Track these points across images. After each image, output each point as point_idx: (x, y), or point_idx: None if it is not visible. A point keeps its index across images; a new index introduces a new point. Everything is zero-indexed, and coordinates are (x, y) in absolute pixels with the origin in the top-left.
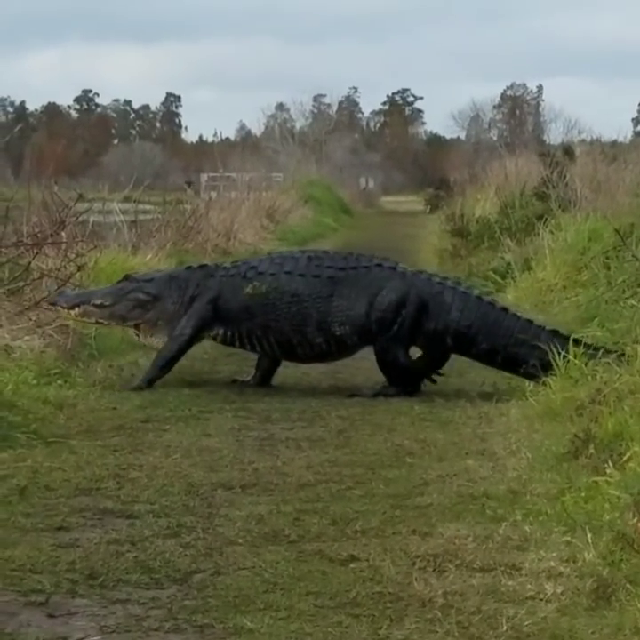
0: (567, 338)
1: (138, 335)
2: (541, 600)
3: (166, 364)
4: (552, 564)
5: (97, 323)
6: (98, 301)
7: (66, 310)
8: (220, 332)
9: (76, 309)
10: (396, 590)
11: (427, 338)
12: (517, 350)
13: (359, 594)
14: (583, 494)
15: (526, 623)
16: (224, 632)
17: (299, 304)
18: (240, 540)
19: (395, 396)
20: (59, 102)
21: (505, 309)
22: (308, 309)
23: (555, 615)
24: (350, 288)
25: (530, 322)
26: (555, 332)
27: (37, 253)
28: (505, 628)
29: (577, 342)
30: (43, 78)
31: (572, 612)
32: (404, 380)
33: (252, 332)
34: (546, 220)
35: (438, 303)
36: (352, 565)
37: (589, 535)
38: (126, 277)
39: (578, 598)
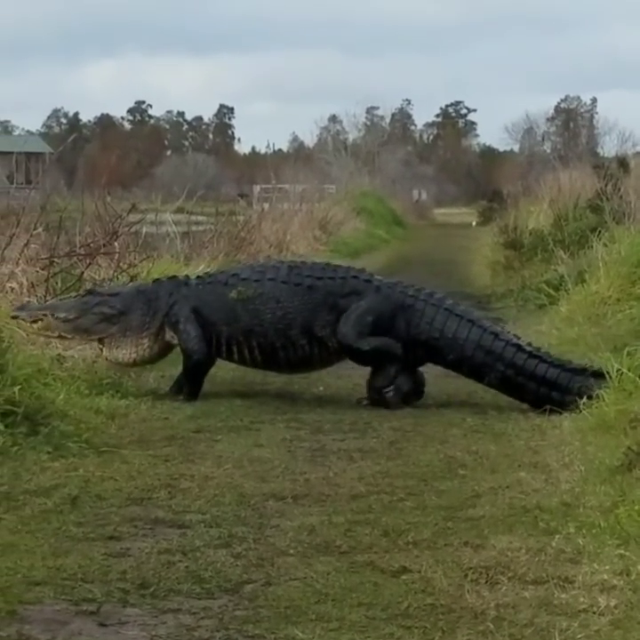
0: (529, 353)
1: (102, 349)
2: (594, 613)
3: (195, 372)
4: (605, 577)
5: (60, 337)
6: (61, 315)
7: (28, 323)
8: None
9: (39, 323)
10: (448, 602)
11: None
12: (481, 362)
13: (411, 605)
14: (637, 507)
15: (579, 636)
16: None
17: (283, 309)
18: (291, 551)
19: (394, 375)
20: (112, 113)
21: (471, 321)
22: (292, 314)
23: (608, 628)
24: (328, 297)
25: (494, 334)
26: (517, 347)
27: (90, 263)
28: None
29: (537, 357)
30: (98, 90)
31: (626, 625)
32: (384, 356)
33: (234, 337)
34: (600, 232)
35: (411, 315)
36: (404, 577)
37: None
38: (90, 291)
39: (631, 611)
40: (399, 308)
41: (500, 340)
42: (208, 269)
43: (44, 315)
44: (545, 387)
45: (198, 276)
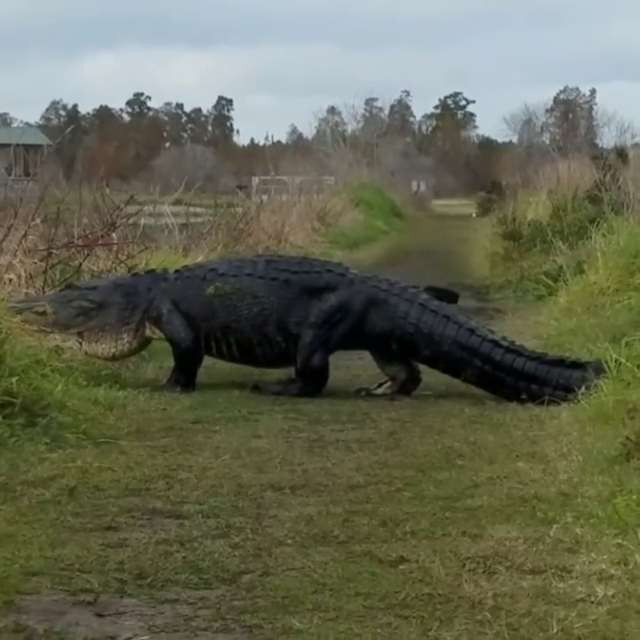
0: (506, 348)
1: (81, 343)
2: (592, 602)
3: (187, 360)
4: (603, 566)
5: (39, 330)
6: (40, 309)
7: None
8: None
9: (18, 317)
10: (445, 592)
11: (372, 342)
12: (458, 357)
13: (408, 595)
14: (635, 497)
15: (577, 626)
16: (272, 632)
17: (260, 305)
18: (289, 541)
19: (295, 394)
20: (111, 106)
21: (447, 317)
22: (268, 310)
23: (605, 618)
24: (303, 291)
25: (471, 330)
26: (494, 342)
27: (88, 255)
28: (555, 630)
29: (515, 352)
30: (97, 82)
31: (623, 614)
32: (314, 380)
33: (212, 333)
34: (598, 223)
35: (384, 308)
36: (401, 567)
37: None
38: (69, 286)
39: (629, 601)
40: (372, 302)
41: (476, 336)
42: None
43: (23, 309)
44: (523, 380)
45: (176, 270)
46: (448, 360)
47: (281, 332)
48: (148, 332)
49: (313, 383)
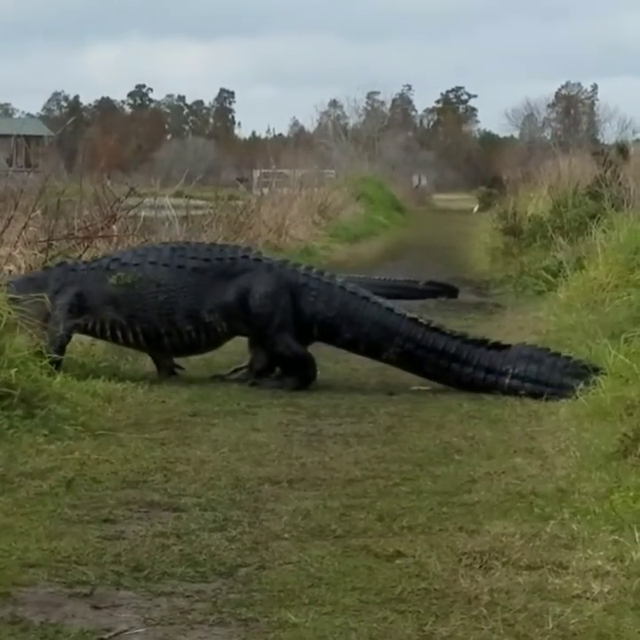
0: (427, 326)
1: None
2: (588, 599)
3: (57, 348)
4: (599, 562)
5: None
6: None
7: None
8: (82, 323)
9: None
10: (441, 587)
11: (295, 328)
12: (378, 337)
13: (405, 590)
14: (632, 493)
15: (572, 622)
16: (268, 626)
17: (166, 293)
18: (286, 535)
19: (294, 387)
20: (113, 97)
21: (366, 298)
22: (176, 298)
23: (601, 614)
24: (217, 278)
25: (390, 310)
26: (414, 320)
27: (88, 246)
28: (551, 626)
29: (436, 330)
30: (99, 73)
31: (619, 611)
32: (301, 368)
33: (116, 322)
34: (599, 219)
35: (305, 293)
36: (398, 561)
37: (637, 534)
38: None
39: (625, 597)
40: (294, 286)
41: (396, 315)
42: None
43: None
44: (445, 359)
45: (85, 261)
46: (369, 341)
47: (191, 320)
48: None
49: (303, 372)
